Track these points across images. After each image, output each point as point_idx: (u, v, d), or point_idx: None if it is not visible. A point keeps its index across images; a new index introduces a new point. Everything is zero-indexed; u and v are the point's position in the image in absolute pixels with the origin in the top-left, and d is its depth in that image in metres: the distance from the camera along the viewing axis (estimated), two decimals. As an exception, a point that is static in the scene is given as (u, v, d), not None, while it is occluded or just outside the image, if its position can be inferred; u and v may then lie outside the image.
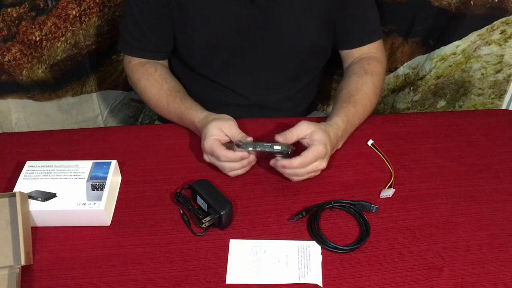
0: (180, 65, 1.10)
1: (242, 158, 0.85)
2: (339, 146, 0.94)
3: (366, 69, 1.01)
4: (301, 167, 0.84)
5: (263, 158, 0.90)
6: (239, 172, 0.88)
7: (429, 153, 0.95)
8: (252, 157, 0.87)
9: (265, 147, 0.84)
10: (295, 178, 0.87)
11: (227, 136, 0.87)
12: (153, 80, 1.01)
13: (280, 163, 0.84)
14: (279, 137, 0.84)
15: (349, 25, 1.04)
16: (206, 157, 0.88)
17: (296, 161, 0.82)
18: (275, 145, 0.84)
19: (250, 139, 0.86)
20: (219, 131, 0.86)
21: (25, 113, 1.21)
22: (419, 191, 0.87)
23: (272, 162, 0.86)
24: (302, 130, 0.85)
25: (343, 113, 0.93)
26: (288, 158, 0.84)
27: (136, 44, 1.03)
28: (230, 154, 0.84)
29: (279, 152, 0.84)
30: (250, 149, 0.84)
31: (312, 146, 0.83)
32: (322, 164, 0.85)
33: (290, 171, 0.84)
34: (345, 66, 1.08)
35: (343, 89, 1.00)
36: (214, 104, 1.03)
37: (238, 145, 0.84)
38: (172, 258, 0.76)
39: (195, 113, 0.94)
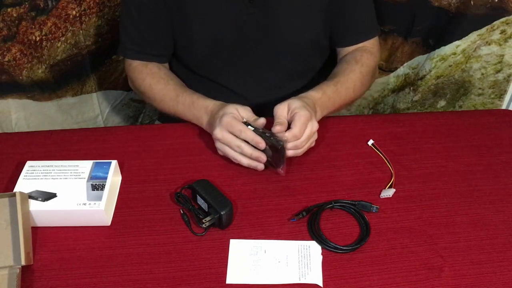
0: (180, 66, 1.10)
1: (257, 143, 0.84)
2: (319, 117, 0.93)
3: (357, 59, 1.04)
4: (296, 139, 0.85)
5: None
6: (244, 160, 0.87)
7: (429, 153, 0.95)
8: (261, 156, 0.85)
9: (263, 134, 0.85)
10: (299, 151, 0.88)
11: (243, 118, 0.88)
12: (158, 78, 1.02)
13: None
14: (277, 128, 0.84)
15: (346, 24, 1.05)
16: (219, 133, 0.86)
17: (288, 135, 0.84)
18: (272, 136, 0.84)
19: (262, 120, 0.87)
20: (237, 111, 0.87)
21: (25, 113, 1.21)
22: (419, 191, 0.87)
23: None
24: (282, 111, 0.87)
25: (320, 88, 0.96)
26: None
27: (136, 48, 1.03)
28: (249, 132, 0.84)
29: (272, 143, 0.84)
30: (251, 128, 0.85)
31: (295, 116, 0.85)
32: (314, 126, 0.87)
33: (290, 145, 0.85)
34: (339, 58, 1.10)
35: (333, 72, 1.03)
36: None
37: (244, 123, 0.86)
38: (172, 258, 0.76)
39: (209, 101, 0.95)
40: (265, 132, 0.85)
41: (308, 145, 0.89)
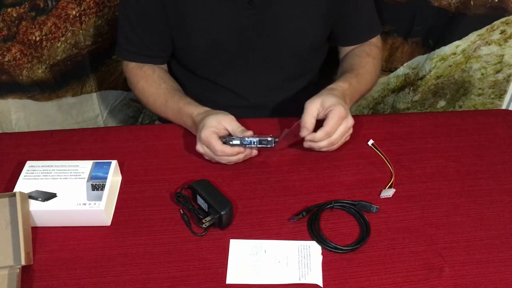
0: (180, 68, 1.10)
1: (238, 153, 0.86)
2: (349, 105, 0.94)
3: (368, 53, 1.05)
4: (328, 137, 0.85)
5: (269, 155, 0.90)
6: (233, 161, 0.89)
7: (429, 153, 0.95)
8: (249, 151, 0.88)
9: (251, 142, 0.86)
10: (333, 147, 0.89)
11: (225, 129, 0.87)
12: (151, 81, 1.02)
13: (308, 138, 0.86)
14: (303, 133, 0.86)
15: (350, 25, 1.05)
16: (200, 148, 0.88)
17: (321, 133, 0.84)
18: (262, 139, 0.86)
19: (250, 132, 0.87)
20: (218, 123, 0.86)
21: (25, 113, 1.21)
22: (419, 191, 0.87)
23: (305, 144, 0.88)
24: (313, 109, 0.86)
25: (345, 78, 0.96)
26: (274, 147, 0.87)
27: (133, 49, 1.03)
28: (227, 149, 0.85)
29: (265, 146, 0.86)
30: (236, 142, 0.85)
31: (330, 113, 0.84)
32: (349, 122, 0.87)
33: (324, 143, 0.86)
34: (343, 55, 1.11)
35: (345, 66, 1.04)
36: (214, 106, 1.02)
37: (225, 142, 0.85)
38: (172, 258, 0.76)
39: (194, 108, 0.94)
40: (253, 138, 0.86)
41: (343, 140, 0.89)
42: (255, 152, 0.89)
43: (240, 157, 0.87)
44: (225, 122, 0.87)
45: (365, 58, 1.04)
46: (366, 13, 1.07)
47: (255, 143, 0.86)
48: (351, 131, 0.90)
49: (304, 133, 0.86)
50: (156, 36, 1.01)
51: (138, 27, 1.00)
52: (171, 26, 0.99)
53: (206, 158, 0.90)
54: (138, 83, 1.03)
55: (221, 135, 0.87)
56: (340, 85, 0.93)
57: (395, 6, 1.17)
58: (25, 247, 0.73)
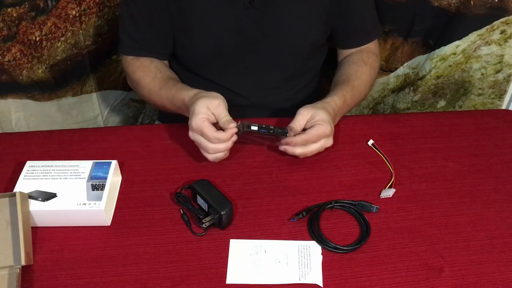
0: (180, 67, 1.10)
1: (232, 135, 0.83)
2: (335, 123, 0.95)
3: (366, 61, 1.05)
4: (304, 144, 0.86)
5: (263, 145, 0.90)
6: (221, 155, 0.86)
7: (429, 153, 0.95)
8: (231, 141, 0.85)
9: (268, 129, 0.85)
10: (302, 156, 0.89)
11: (213, 115, 0.85)
12: (148, 71, 1.01)
13: (284, 140, 0.86)
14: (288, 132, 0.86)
15: (350, 27, 1.05)
16: (192, 135, 0.86)
17: (299, 138, 0.85)
18: (278, 128, 0.85)
19: (233, 123, 0.84)
20: (207, 109, 0.84)
21: (25, 113, 1.21)
22: (419, 191, 0.88)
23: (280, 147, 0.88)
24: (303, 116, 0.87)
25: (341, 93, 0.96)
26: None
27: (135, 45, 1.03)
28: (221, 135, 0.82)
29: (278, 134, 0.86)
30: (254, 128, 0.83)
31: (316, 126, 0.85)
32: (328, 142, 0.88)
33: (299, 150, 0.87)
34: (341, 58, 1.11)
35: (342, 74, 1.04)
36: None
37: (238, 130, 0.83)
38: (172, 258, 0.76)
39: (185, 92, 0.92)
40: (269, 126, 0.85)
41: (314, 153, 0.90)
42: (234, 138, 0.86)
43: (229, 145, 0.84)
44: (212, 106, 0.84)
45: (362, 67, 1.03)
46: (367, 16, 1.07)
47: (272, 131, 0.85)
48: (323, 149, 0.90)
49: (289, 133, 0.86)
50: (158, 34, 1.01)
51: (140, 24, 1.00)
52: (173, 25, 0.99)
53: (197, 145, 0.87)
54: (135, 74, 1.03)
55: (212, 121, 0.84)
56: (336, 101, 0.94)
57: (395, 6, 1.17)
58: (25, 247, 0.73)
